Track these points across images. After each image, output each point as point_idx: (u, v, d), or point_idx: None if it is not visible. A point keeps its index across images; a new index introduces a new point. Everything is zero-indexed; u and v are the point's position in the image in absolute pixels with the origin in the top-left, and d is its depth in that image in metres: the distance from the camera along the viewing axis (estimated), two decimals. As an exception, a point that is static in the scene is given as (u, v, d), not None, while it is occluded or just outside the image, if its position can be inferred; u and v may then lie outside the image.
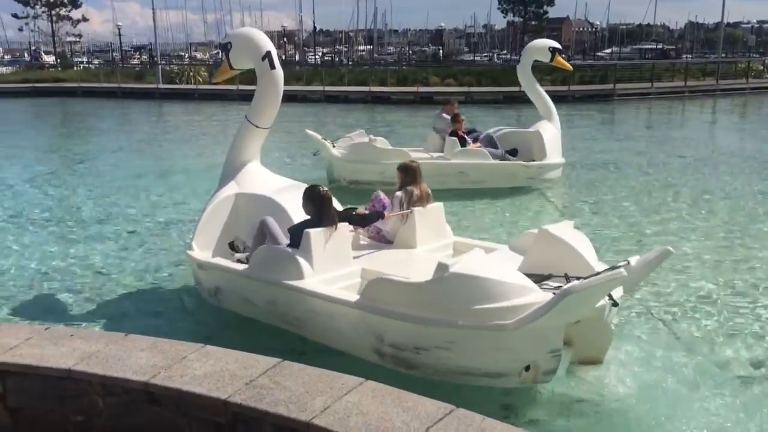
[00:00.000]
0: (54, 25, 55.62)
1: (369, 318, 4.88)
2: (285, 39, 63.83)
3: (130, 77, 42.33)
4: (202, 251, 6.39)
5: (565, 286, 4.20)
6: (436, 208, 6.36)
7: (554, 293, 4.26)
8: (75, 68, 49.43)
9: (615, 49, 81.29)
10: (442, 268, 4.53)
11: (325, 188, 5.77)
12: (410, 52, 76.83)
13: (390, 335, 4.80)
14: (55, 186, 13.08)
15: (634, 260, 4.54)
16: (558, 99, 32.50)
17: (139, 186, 12.70)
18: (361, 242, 6.38)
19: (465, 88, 34.79)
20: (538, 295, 4.39)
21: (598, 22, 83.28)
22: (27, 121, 27.98)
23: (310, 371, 3.45)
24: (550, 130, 12.21)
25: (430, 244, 6.09)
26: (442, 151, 12.06)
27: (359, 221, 6.10)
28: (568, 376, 4.81)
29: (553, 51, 12.63)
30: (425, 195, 6.30)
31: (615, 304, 4.46)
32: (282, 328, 5.59)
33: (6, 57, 68.02)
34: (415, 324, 4.62)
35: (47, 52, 59.50)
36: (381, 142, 11.86)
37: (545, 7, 51.86)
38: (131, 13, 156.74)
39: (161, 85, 38.44)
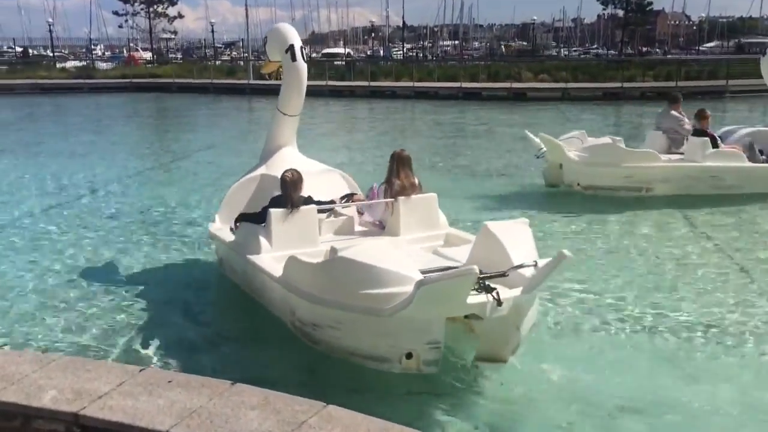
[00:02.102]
0: (151, 22, 57.39)
1: (285, 292, 5.22)
2: (373, 34, 63.45)
3: (222, 73, 43.05)
4: (223, 225, 6.98)
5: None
6: (427, 198, 6.29)
7: None
8: (170, 64, 50.90)
9: (718, 43, 76.56)
10: (333, 251, 4.87)
11: (295, 172, 6.02)
12: (499, 46, 75.23)
13: (298, 310, 5.13)
14: (150, 184, 12.93)
15: (542, 262, 4.58)
16: (664, 96, 30.80)
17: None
18: (357, 228, 6.54)
19: (561, 85, 33.22)
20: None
21: (703, 14, 78.39)
22: (125, 117, 28.70)
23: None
24: None
25: (417, 234, 6.09)
26: (668, 152, 11.05)
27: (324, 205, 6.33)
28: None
29: None
30: (409, 185, 6.20)
31: (499, 303, 4.33)
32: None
33: (107, 53, 70.90)
34: (310, 302, 4.88)
35: (144, 49, 61.57)
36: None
37: (649, -2, 48.91)
38: (222, 10, 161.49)
39: (252, 81, 38.80)
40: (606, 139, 11.04)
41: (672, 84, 31.75)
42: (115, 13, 59.28)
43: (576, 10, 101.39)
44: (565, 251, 4.29)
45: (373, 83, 35.75)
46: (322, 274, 4.83)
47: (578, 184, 10.81)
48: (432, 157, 15.97)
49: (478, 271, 4.05)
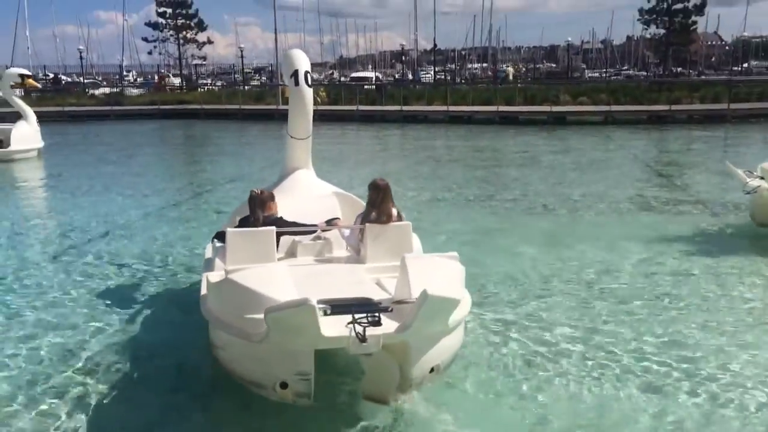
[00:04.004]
0: (181, 48, 57.20)
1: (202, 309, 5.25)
2: (404, 57, 62.56)
3: (251, 98, 42.33)
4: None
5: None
6: (400, 227, 6.02)
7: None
8: (199, 90, 50.43)
9: (757, 63, 74.19)
10: (226, 273, 4.95)
11: (265, 192, 6.24)
12: (526, 69, 73.84)
13: (209, 328, 5.19)
14: (170, 224, 11.74)
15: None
16: (712, 119, 29.13)
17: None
18: (335, 253, 6.40)
19: (604, 108, 31.62)
20: None
21: (745, 34, 75.97)
22: (150, 145, 27.85)
23: None
24: None
25: (383, 263, 5.74)
26: None
27: (287, 226, 6.14)
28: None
29: None
30: (387, 214, 6.00)
31: (363, 339, 4.11)
32: None
33: (139, 80, 71.17)
34: (210, 321, 5.00)
35: (175, 75, 61.46)
36: None
37: (693, 17, 46.71)
38: (252, 36, 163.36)
39: (281, 106, 37.92)
40: None
41: (723, 106, 30.03)
42: (145, 39, 59.24)
43: (605, 31, 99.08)
44: (428, 290, 4.01)
45: (405, 108, 34.57)
46: (214, 295, 5.00)
47: None
48: (478, 189, 14.62)
49: (314, 303, 3.89)
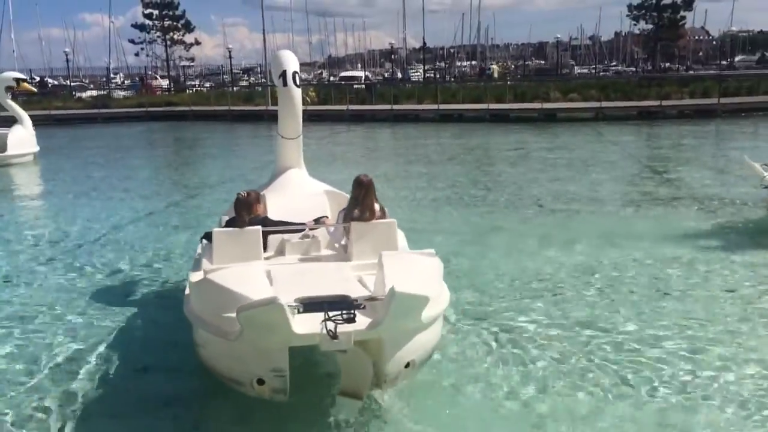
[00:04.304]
0: (168, 49, 56.70)
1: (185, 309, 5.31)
2: (393, 56, 62.43)
3: (239, 99, 42.04)
4: None
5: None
6: (384, 224, 6.01)
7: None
8: (187, 92, 50.03)
9: (744, 57, 74.49)
10: (205, 272, 4.97)
11: (251, 193, 6.19)
12: (516, 66, 73.91)
13: (192, 326, 5.17)
14: (160, 228, 11.57)
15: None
16: (703, 114, 29.19)
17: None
18: (323, 251, 6.35)
19: (595, 104, 31.60)
20: None
21: (732, 29, 76.46)
22: (139, 148, 27.54)
23: None
24: None
25: (368, 260, 5.65)
26: None
27: (273, 225, 6.17)
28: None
29: None
30: (370, 210, 5.99)
31: (334, 336, 4.11)
32: None
33: (126, 82, 70.56)
34: (190, 320, 5.07)
35: (163, 77, 60.96)
36: None
37: (682, 12, 46.89)
38: (240, 37, 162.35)
39: (270, 107, 37.66)
40: None
41: (713, 101, 30.10)
42: (132, 41, 58.63)
43: (593, 27, 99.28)
44: (395, 287, 4.03)
45: (396, 107, 34.42)
46: (194, 294, 5.11)
47: None
48: (471, 187, 14.49)
49: (281, 302, 3.95)
